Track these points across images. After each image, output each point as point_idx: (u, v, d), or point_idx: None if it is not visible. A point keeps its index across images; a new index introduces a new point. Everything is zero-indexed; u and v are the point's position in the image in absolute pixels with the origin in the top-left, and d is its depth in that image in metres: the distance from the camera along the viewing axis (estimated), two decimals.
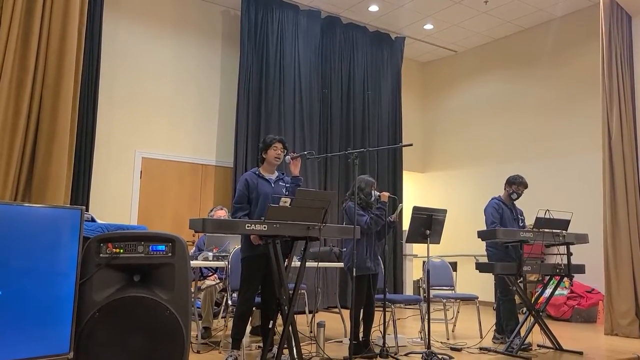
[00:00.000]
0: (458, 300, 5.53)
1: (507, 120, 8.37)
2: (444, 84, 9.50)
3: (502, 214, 4.97)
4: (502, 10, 7.60)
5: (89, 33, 6.09)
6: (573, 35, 7.63)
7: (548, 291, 5.12)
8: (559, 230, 4.62)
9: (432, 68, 9.76)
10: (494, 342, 4.91)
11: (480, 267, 4.65)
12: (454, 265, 5.99)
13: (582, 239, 4.82)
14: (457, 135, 9.13)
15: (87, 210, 4.93)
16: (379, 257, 4.51)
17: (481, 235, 4.62)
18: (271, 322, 3.69)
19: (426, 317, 4.22)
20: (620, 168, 5.73)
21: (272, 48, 7.34)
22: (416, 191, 9.54)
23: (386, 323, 4.49)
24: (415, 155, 9.41)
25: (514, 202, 5.12)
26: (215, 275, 5.29)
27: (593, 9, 7.23)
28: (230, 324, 4.13)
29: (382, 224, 4.32)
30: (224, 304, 5.10)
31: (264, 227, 3.35)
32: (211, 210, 5.68)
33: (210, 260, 4.65)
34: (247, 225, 3.32)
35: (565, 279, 4.76)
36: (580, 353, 4.44)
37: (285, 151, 4.09)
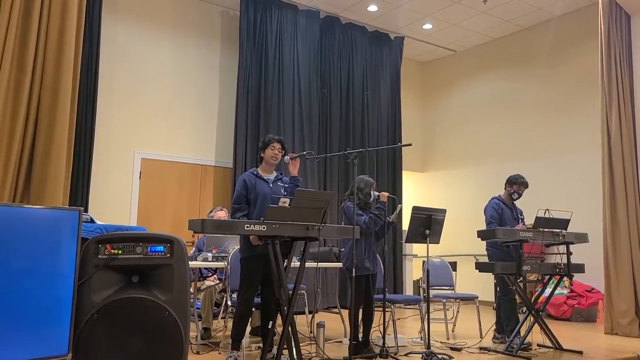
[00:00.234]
0: (458, 300, 5.52)
1: (507, 119, 8.37)
2: (443, 83, 9.49)
3: (501, 213, 4.96)
4: (501, 9, 7.60)
5: (88, 33, 6.09)
6: (572, 35, 7.63)
7: (548, 290, 5.12)
8: (558, 230, 4.62)
9: (432, 68, 9.75)
10: (494, 342, 4.90)
11: (480, 267, 4.65)
12: (453, 265, 5.99)
13: (582, 238, 4.81)
14: (456, 134, 9.12)
15: (86, 211, 4.95)
16: (378, 257, 4.51)
17: (481, 234, 4.62)
18: (271, 322, 3.68)
19: (426, 317, 4.21)
20: (620, 167, 5.73)
21: (271, 48, 7.34)
22: (416, 191, 9.54)
23: (386, 323, 4.48)
24: (414, 155, 9.41)
25: (514, 201, 5.12)
26: (214, 275, 5.29)
27: (592, 8, 7.23)
28: (229, 324, 4.12)
29: (380, 224, 4.32)
30: (223, 304, 5.09)
31: (263, 228, 3.34)
32: (211, 211, 5.67)
33: (209, 261, 4.64)
34: (246, 225, 3.31)
35: (565, 278, 4.75)
36: (580, 352, 4.44)
37: (284, 151, 4.09)
